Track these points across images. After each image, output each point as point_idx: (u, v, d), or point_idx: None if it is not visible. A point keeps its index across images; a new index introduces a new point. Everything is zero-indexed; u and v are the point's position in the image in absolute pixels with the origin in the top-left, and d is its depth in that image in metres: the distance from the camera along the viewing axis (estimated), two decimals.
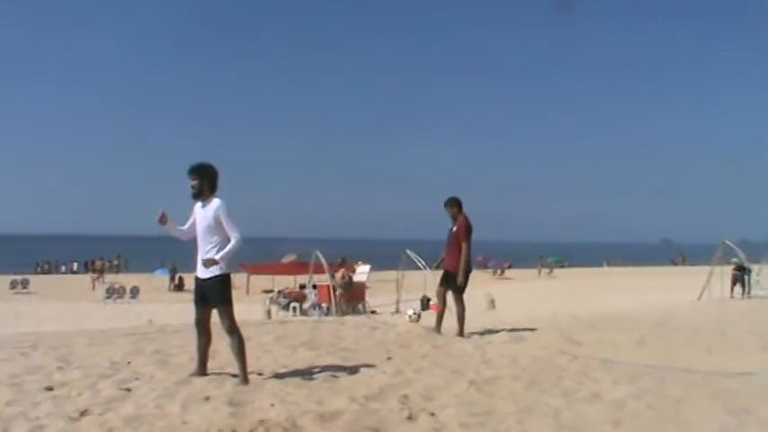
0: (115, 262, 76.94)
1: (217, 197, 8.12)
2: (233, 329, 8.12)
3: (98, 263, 64.39)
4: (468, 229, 13.16)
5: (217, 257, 7.93)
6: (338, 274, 32.15)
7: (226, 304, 8.12)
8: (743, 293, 30.36)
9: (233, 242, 7.97)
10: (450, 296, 13.36)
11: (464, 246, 13.05)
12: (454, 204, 13.36)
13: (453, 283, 13.21)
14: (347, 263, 31.39)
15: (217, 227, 7.98)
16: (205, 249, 8.08)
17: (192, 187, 8.13)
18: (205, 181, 8.12)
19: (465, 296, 13.32)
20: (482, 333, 13.15)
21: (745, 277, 31.05)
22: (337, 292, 31.25)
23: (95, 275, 58.40)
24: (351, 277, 31.52)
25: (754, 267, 32.75)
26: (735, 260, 32.93)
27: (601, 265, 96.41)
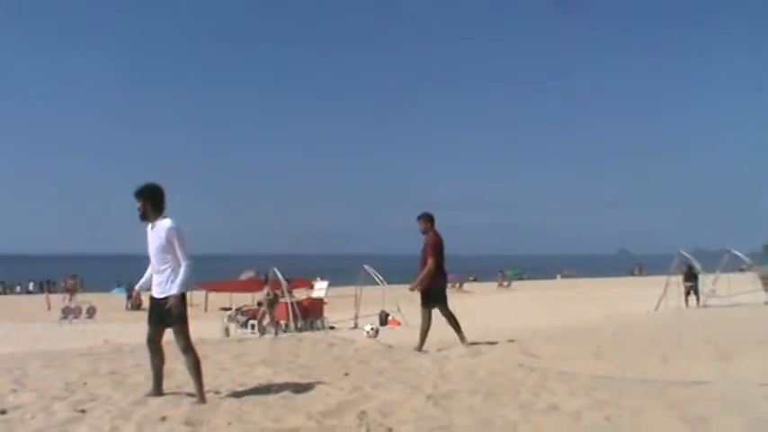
0: (71, 281, 76.14)
1: (166, 217, 8.12)
2: (188, 348, 8.08)
3: (69, 281, 63.38)
4: (434, 245, 13.18)
5: (176, 293, 7.97)
6: (263, 292, 31.78)
7: (181, 323, 8.08)
8: (697, 302, 30.69)
9: (183, 269, 7.99)
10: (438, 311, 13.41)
11: (429, 260, 13.08)
12: (426, 219, 13.39)
13: (422, 297, 13.30)
14: (270, 280, 31.00)
15: (168, 246, 7.98)
16: (159, 268, 8.08)
17: (138, 209, 8.17)
18: (147, 203, 8.14)
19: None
20: (439, 348, 13.14)
21: (698, 286, 31.44)
22: (261, 309, 30.84)
23: (67, 294, 57.86)
24: (276, 294, 31.13)
25: (710, 276, 33.06)
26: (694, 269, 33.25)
27: (554, 277, 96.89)
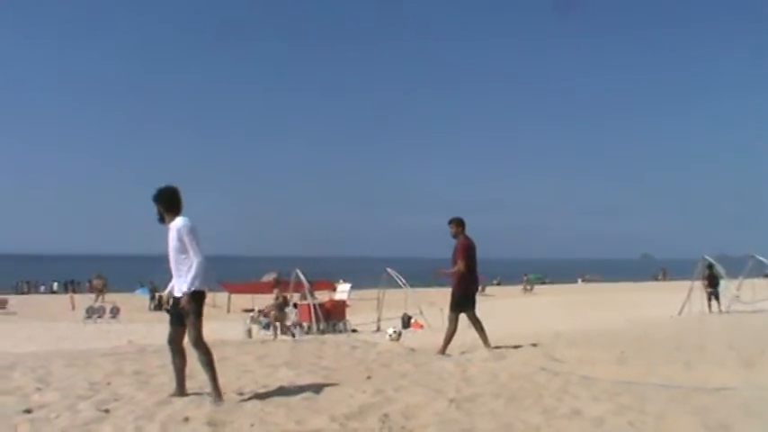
0: (95, 281, 76.46)
1: (180, 216, 8.22)
2: (199, 342, 8.10)
3: (96, 282, 63.67)
4: (464, 249, 13.18)
5: (186, 290, 8.03)
6: (272, 295, 31.61)
7: (194, 319, 8.09)
8: (719, 308, 30.52)
9: (195, 266, 8.03)
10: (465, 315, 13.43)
11: (459, 263, 13.09)
12: (457, 224, 13.39)
13: (452, 301, 13.34)
14: (281, 282, 30.87)
15: (182, 246, 8.06)
16: (178, 268, 8.16)
17: (157, 213, 8.34)
18: (162, 206, 8.31)
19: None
20: (462, 351, 13.12)
21: (719, 291, 31.26)
22: (271, 314, 30.69)
23: (97, 294, 58.32)
24: (285, 298, 31.03)
25: (734, 282, 32.87)
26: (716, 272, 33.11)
27: (575, 281, 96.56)
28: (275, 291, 29.98)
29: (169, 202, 8.27)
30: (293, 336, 27.83)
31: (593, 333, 17.69)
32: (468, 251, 13.23)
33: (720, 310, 30.26)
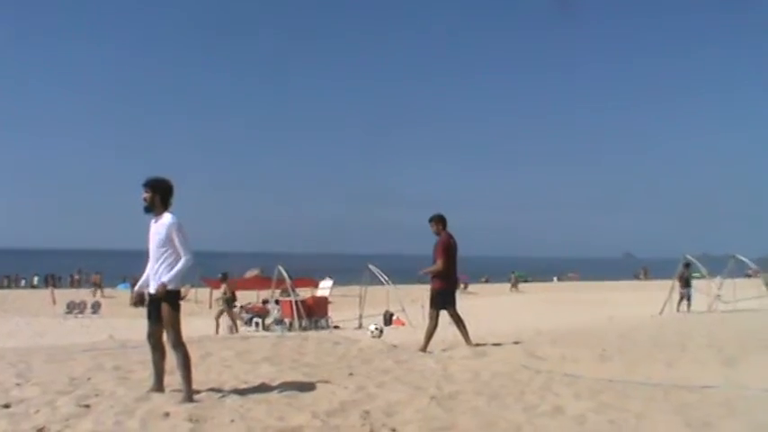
0: (76, 276, 76.32)
1: (169, 213, 8.12)
2: (178, 344, 8.06)
3: (95, 276, 63.89)
4: (443, 246, 13.19)
5: (165, 280, 7.96)
6: (219, 291, 31.31)
7: (172, 319, 8.06)
8: (688, 309, 30.70)
9: (182, 262, 7.99)
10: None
11: (438, 261, 13.10)
12: (438, 221, 13.39)
13: (433, 298, 13.37)
14: (229, 279, 30.53)
15: (168, 242, 7.98)
16: (157, 264, 8.08)
17: (144, 200, 8.16)
18: (157, 195, 8.14)
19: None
20: (444, 348, 13.13)
21: (691, 292, 31.47)
22: (218, 309, 30.28)
23: (94, 289, 58.69)
24: (233, 293, 30.78)
25: (715, 281, 33.06)
26: (696, 274, 33.31)
27: (551, 279, 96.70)
28: (223, 286, 29.56)
29: (164, 194, 8.16)
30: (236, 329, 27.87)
31: (575, 331, 17.74)
32: (448, 249, 13.23)
33: (687, 311, 30.43)
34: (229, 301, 29.23)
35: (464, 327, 13.45)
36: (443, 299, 13.34)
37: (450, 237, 13.36)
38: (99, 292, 58.42)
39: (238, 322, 31.02)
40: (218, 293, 31.55)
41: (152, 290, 8.11)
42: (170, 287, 7.97)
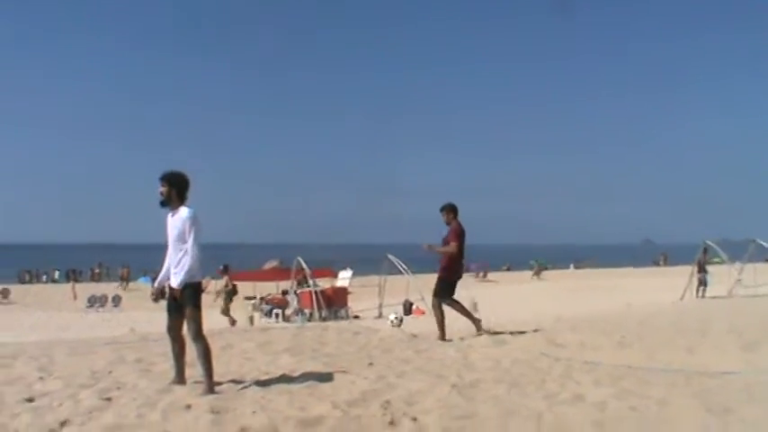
0: (96, 270, 76.67)
1: (186, 206, 8.16)
2: (198, 336, 8.10)
3: (123, 270, 64.39)
4: (457, 232, 13.17)
5: (176, 285, 8.10)
6: (221, 282, 31.08)
7: (193, 311, 8.11)
8: (703, 295, 30.56)
9: (190, 259, 8.03)
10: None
11: (452, 244, 13.09)
12: (449, 210, 13.37)
13: (438, 287, 13.35)
14: (230, 270, 30.29)
15: (185, 236, 8.01)
16: (177, 257, 8.12)
17: (161, 194, 8.18)
18: (173, 189, 8.16)
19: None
20: (462, 337, 13.12)
21: (707, 278, 31.35)
22: (218, 300, 29.97)
23: (121, 283, 59.45)
24: (235, 286, 30.55)
25: (736, 266, 32.92)
26: (716, 259, 33.19)
27: (567, 267, 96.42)
28: (225, 278, 29.36)
29: (180, 187, 8.19)
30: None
31: (594, 318, 17.70)
32: (461, 235, 13.22)
33: (702, 296, 30.33)
34: (230, 293, 29.12)
35: (443, 319, 13.40)
36: (448, 288, 13.37)
37: (461, 225, 13.34)
38: (125, 285, 59.07)
39: (257, 314, 31.03)
40: (219, 286, 31.32)
41: (172, 283, 8.15)
42: (190, 279, 8.02)
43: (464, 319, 13.64)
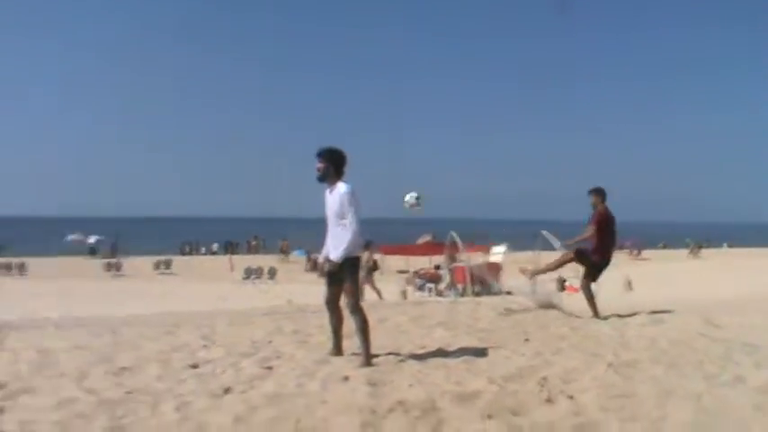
0: (253, 243, 78.68)
1: (343, 182, 8.27)
2: (356, 310, 8.25)
3: (283, 243, 66.69)
4: (599, 217, 13.07)
5: (335, 258, 8.21)
6: (363, 257, 30.68)
7: (352, 284, 8.28)
8: None
9: (349, 236, 8.13)
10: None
11: (589, 228, 13.04)
12: (597, 194, 13.27)
13: (588, 269, 13.30)
14: (372, 246, 29.95)
15: (343, 211, 8.14)
16: (335, 231, 8.29)
17: (318, 170, 8.31)
18: (331, 166, 8.28)
19: (601, 278, 13.32)
20: (619, 315, 12.95)
21: None
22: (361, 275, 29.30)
23: (282, 255, 61.69)
24: (376, 261, 30.28)
25: None
26: None
27: (720, 246, 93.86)
28: (366, 253, 28.83)
29: (338, 164, 8.32)
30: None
31: (754, 299, 17.24)
32: (602, 221, 13.08)
33: None
34: (371, 269, 29.21)
35: (592, 297, 13.27)
36: (597, 270, 13.36)
37: (607, 210, 13.20)
38: (285, 257, 60.83)
39: (410, 288, 31.20)
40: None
41: (332, 257, 8.30)
42: (348, 253, 8.16)
43: (618, 297, 13.49)
